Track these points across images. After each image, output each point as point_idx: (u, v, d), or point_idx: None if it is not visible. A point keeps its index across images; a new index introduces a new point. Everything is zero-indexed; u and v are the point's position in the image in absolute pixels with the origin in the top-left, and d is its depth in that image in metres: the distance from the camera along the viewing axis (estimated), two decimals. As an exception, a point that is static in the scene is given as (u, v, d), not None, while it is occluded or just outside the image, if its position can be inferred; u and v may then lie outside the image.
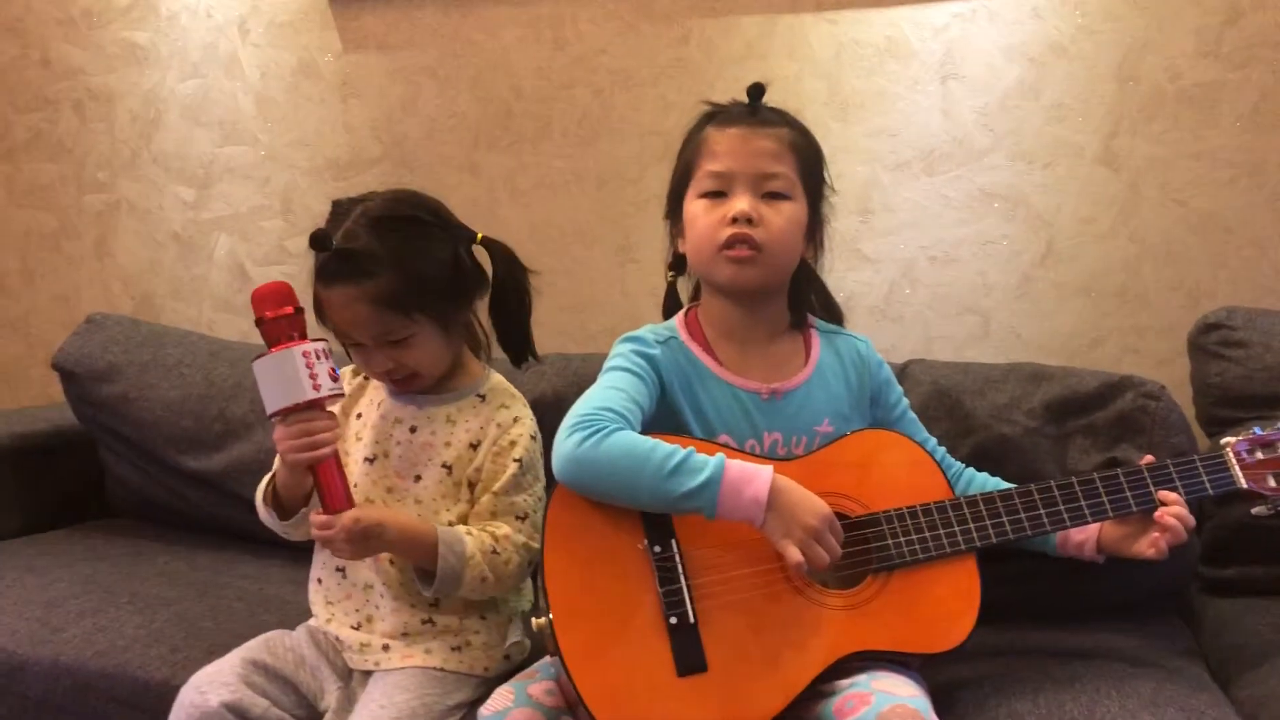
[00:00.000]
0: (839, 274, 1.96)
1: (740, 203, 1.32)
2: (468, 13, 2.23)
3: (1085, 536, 1.34)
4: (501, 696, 1.25)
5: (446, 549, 1.37)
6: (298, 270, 2.45)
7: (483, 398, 1.50)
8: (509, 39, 2.22)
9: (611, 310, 2.23)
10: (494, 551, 1.40)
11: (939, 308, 2.04)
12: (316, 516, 1.35)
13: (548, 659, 1.32)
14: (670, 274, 1.50)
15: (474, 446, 1.46)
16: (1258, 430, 1.33)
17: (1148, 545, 1.27)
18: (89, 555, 1.91)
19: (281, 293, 1.34)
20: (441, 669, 1.43)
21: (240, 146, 2.47)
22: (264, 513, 1.48)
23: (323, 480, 1.35)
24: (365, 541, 1.34)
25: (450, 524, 1.44)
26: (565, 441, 1.26)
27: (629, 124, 2.17)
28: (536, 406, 1.66)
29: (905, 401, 1.48)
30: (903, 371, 1.69)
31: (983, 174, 1.98)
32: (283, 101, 2.41)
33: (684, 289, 1.52)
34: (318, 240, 1.37)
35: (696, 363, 1.39)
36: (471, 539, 1.40)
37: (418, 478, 1.47)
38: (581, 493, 1.27)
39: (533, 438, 1.49)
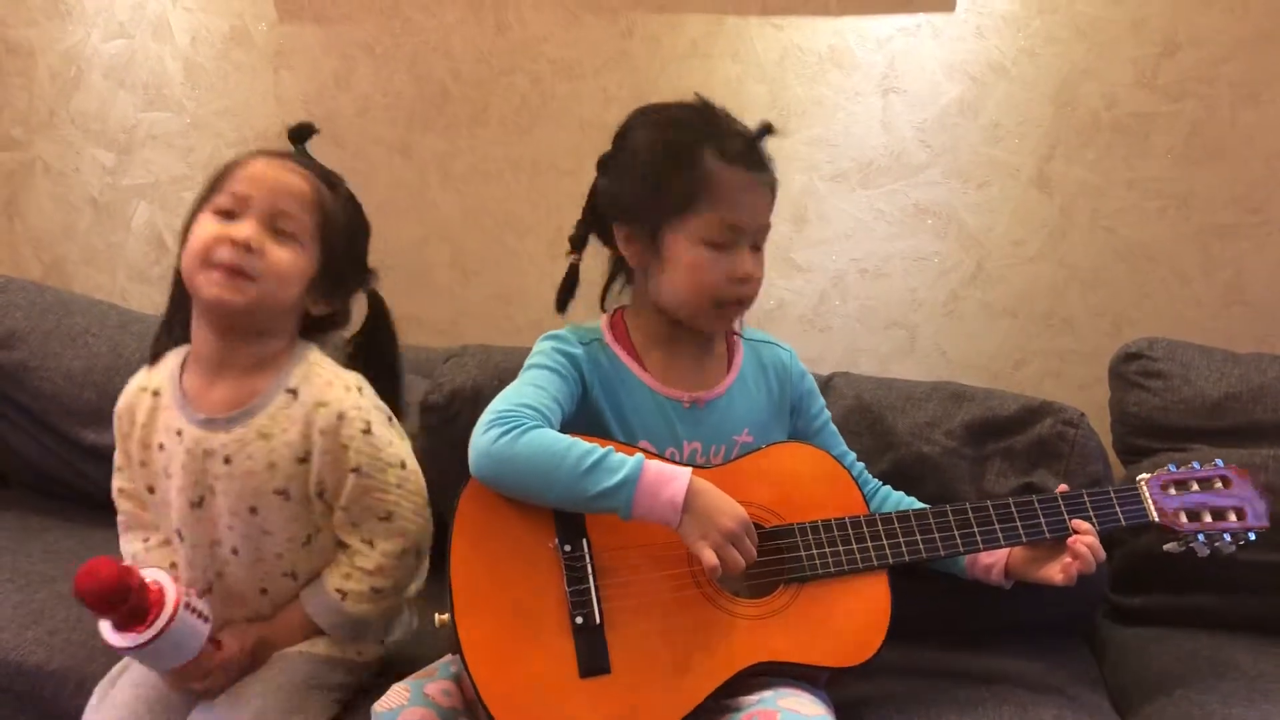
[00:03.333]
0: (769, 281, 1.94)
1: (749, 264, 1.30)
2: (408, -10, 2.18)
3: (994, 560, 1.34)
4: (397, 694, 1.22)
5: (335, 629, 1.35)
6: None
7: (294, 394, 1.32)
8: (450, 19, 2.17)
9: (540, 303, 2.16)
10: (375, 591, 1.35)
11: (867, 320, 2.04)
12: (184, 672, 1.29)
13: (447, 657, 1.30)
14: (574, 255, 1.42)
15: (303, 461, 1.31)
16: (1172, 467, 1.35)
17: (1058, 570, 1.28)
18: (-27, 528, 1.83)
19: (115, 585, 1.17)
20: (326, 656, 1.37)
21: (165, 113, 2.39)
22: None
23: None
24: (251, 660, 1.33)
25: (310, 537, 1.35)
26: (481, 437, 1.23)
27: (568, 114, 2.13)
28: (455, 398, 1.62)
29: (827, 414, 1.48)
30: (827, 384, 1.68)
31: (918, 189, 1.98)
32: (211, 69, 2.33)
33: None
34: (303, 130, 1.37)
35: (621, 367, 1.37)
36: (350, 601, 1.35)
37: (253, 510, 1.32)
38: (497, 489, 1.24)
39: (365, 430, 1.32)
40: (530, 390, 1.29)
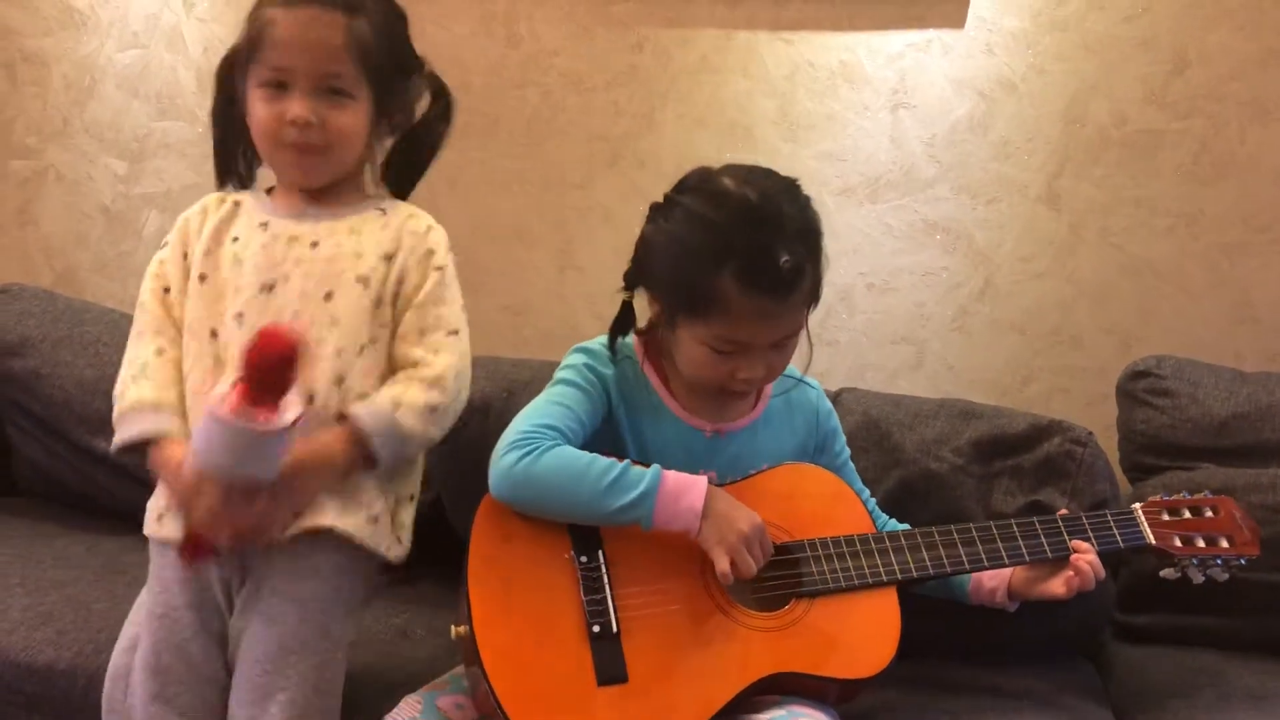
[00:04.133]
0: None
1: (755, 369, 1.28)
2: (420, 0, 2.19)
3: (997, 584, 1.36)
4: (409, 706, 1.23)
5: (382, 441, 1.26)
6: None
7: (383, 211, 1.37)
8: (462, 31, 2.18)
9: (548, 315, 2.20)
10: (429, 408, 1.29)
11: (874, 335, 2.04)
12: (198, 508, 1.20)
13: (459, 670, 1.31)
14: (627, 293, 1.38)
15: (389, 259, 1.33)
16: (1164, 495, 1.39)
17: (1060, 583, 1.29)
18: (-16, 535, 1.84)
19: (292, 354, 1.14)
20: (355, 541, 1.29)
21: (177, 122, 2.40)
22: (115, 425, 1.32)
23: (200, 542, 1.22)
24: (291, 495, 1.22)
25: (363, 347, 1.30)
26: (501, 460, 1.25)
27: (578, 128, 2.14)
28: (464, 409, 1.62)
29: (847, 452, 1.48)
30: (835, 399, 1.68)
31: (926, 205, 1.98)
32: (224, 79, 2.35)
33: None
34: None
35: (648, 389, 1.37)
36: (404, 412, 1.27)
37: (329, 295, 1.31)
38: (519, 509, 1.26)
39: (448, 250, 1.38)
40: (555, 409, 1.30)
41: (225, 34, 2.32)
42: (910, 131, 1.97)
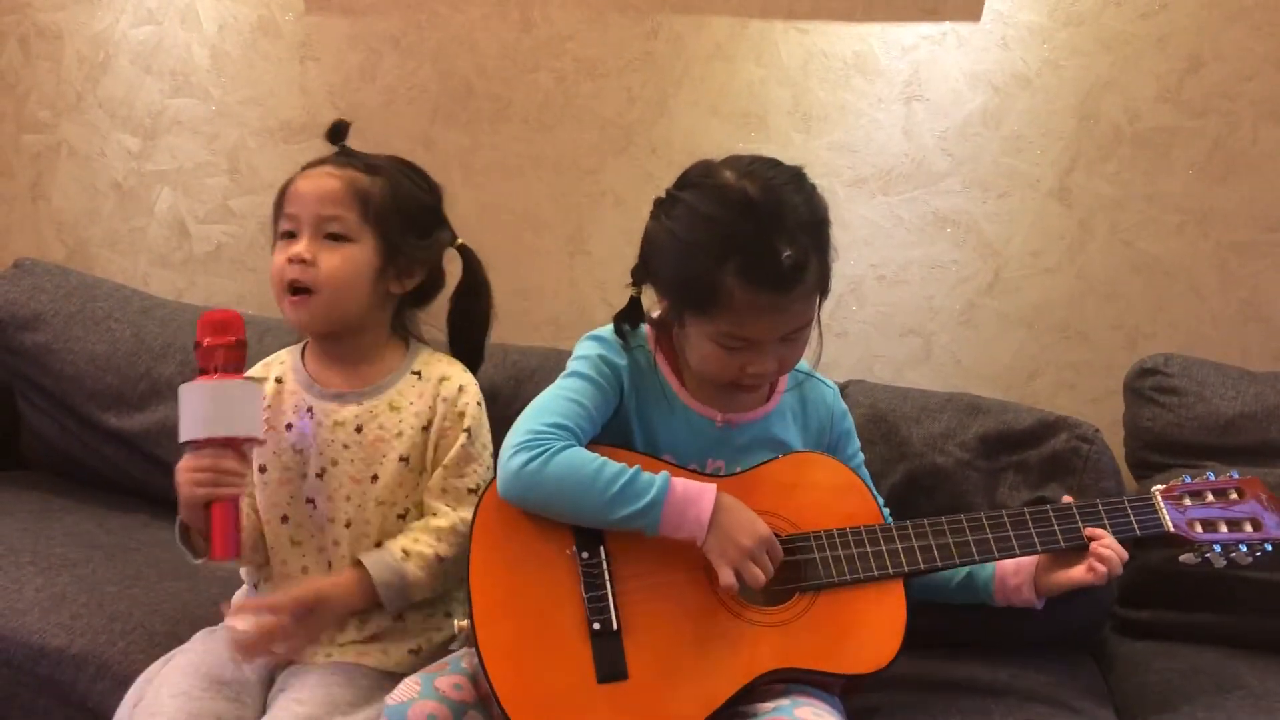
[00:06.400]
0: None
1: (765, 363, 1.28)
2: (435, -15, 2.19)
3: (1021, 580, 1.34)
4: (408, 688, 1.23)
5: (387, 590, 1.34)
6: (240, 230, 2.40)
7: (418, 374, 1.46)
8: (475, 14, 2.18)
9: (557, 300, 2.21)
10: (438, 559, 1.37)
11: (883, 327, 2.04)
12: (246, 610, 1.30)
13: (460, 652, 1.31)
14: (634, 288, 1.37)
15: (426, 429, 1.42)
16: (1187, 478, 1.35)
17: (1085, 570, 1.27)
18: (-5, 509, 1.86)
19: (233, 322, 1.31)
20: (379, 669, 1.37)
21: (191, 99, 2.40)
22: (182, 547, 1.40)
23: (218, 521, 1.28)
24: (312, 618, 1.30)
25: (406, 512, 1.41)
26: (510, 462, 1.25)
27: (590, 113, 2.14)
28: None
29: (861, 456, 1.47)
30: (842, 390, 1.68)
31: (938, 198, 1.98)
32: (238, 58, 2.35)
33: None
34: (336, 129, 1.43)
35: (659, 377, 1.37)
36: (411, 563, 1.35)
37: (375, 478, 1.41)
38: (524, 508, 1.27)
39: (479, 404, 1.46)
40: (566, 405, 1.31)
41: (240, 12, 2.32)
42: (923, 124, 1.97)
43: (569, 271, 2.20)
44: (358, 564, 1.35)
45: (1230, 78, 1.83)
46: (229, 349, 1.29)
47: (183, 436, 1.28)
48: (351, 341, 1.44)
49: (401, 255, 1.42)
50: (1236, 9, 1.81)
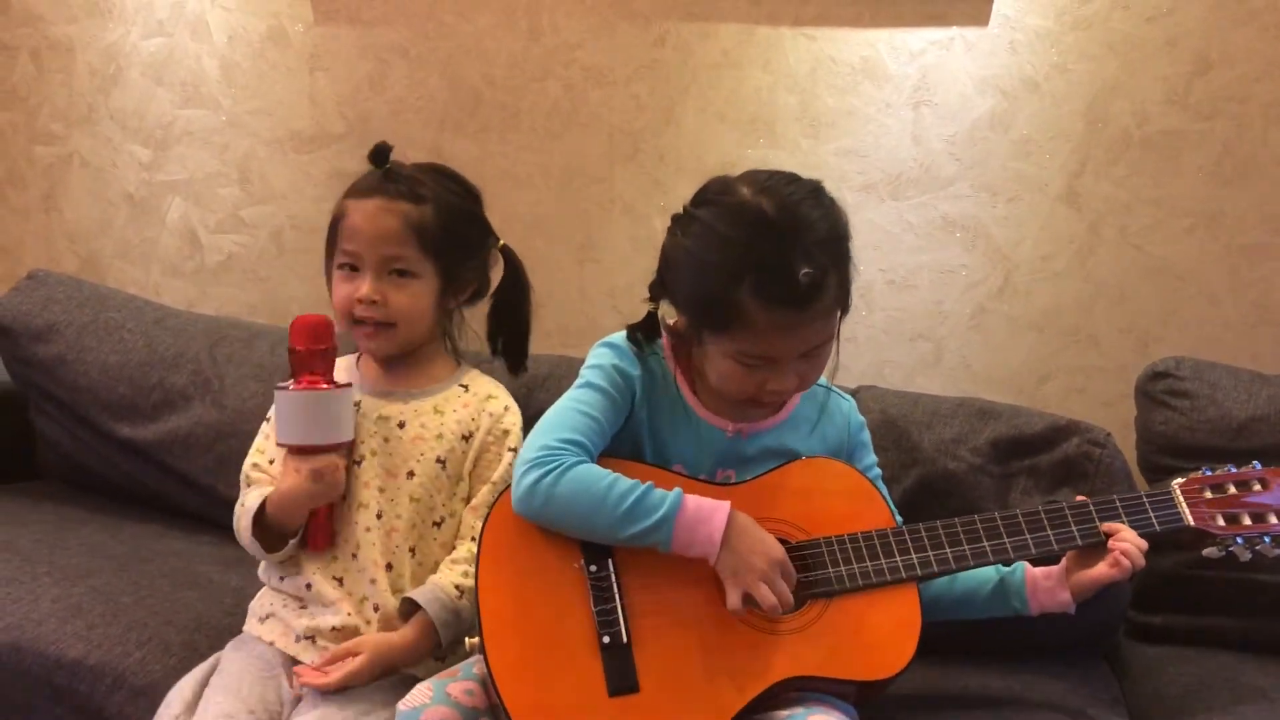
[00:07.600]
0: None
1: (784, 381, 1.27)
2: (444, -5, 2.20)
3: (1053, 582, 1.31)
4: (420, 693, 1.23)
5: (445, 630, 1.36)
6: (252, 240, 2.41)
7: (465, 388, 1.50)
8: (483, 24, 2.19)
9: (568, 308, 2.21)
10: None
11: (893, 332, 2.04)
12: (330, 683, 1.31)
13: (472, 658, 1.31)
14: (652, 304, 1.37)
15: (466, 438, 1.46)
16: (1207, 471, 1.32)
17: (1109, 565, 1.25)
18: (10, 520, 1.86)
19: (326, 328, 1.39)
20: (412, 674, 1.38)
21: (201, 110, 2.42)
22: (247, 538, 1.42)
23: (318, 520, 1.39)
24: (383, 673, 1.34)
25: (442, 520, 1.44)
26: (523, 479, 1.26)
27: (599, 121, 2.15)
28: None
29: (877, 469, 1.46)
30: (853, 396, 1.68)
31: (947, 202, 1.98)
32: (248, 68, 2.36)
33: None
34: (379, 152, 1.45)
35: (672, 385, 1.37)
36: (466, 599, 1.37)
37: (410, 474, 1.44)
38: (540, 525, 1.27)
39: (521, 428, 1.48)
40: (577, 419, 1.31)
41: (249, 23, 2.34)
42: (931, 129, 1.97)
43: (578, 279, 2.21)
44: (412, 606, 1.37)
45: (1239, 80, 1.82)
46: (324, 355, 1.38)
47: (285, 439, 1.38)
48: (413, 360, 1.51)
49: (461, 278, 1.49)
50: (1244, 11, 1.81)
